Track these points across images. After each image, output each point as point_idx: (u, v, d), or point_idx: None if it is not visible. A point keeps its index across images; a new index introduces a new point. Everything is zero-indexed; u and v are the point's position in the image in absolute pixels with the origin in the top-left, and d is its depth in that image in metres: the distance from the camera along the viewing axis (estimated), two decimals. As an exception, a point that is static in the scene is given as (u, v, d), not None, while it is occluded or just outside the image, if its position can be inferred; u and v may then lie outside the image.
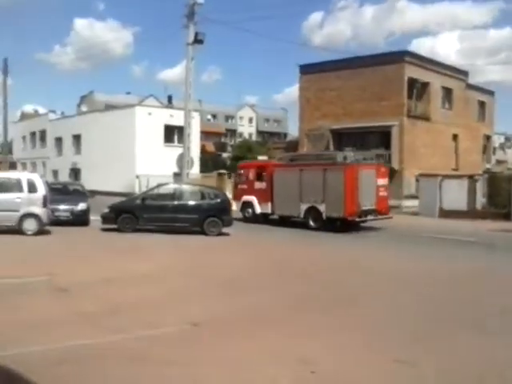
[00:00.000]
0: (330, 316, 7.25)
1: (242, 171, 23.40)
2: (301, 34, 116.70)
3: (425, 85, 33.50)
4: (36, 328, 6.18)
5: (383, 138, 32.21)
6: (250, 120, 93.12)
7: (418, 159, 31.52)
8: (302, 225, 19.61)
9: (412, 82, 32.46)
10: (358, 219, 18.88)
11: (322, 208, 19.07)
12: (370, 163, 20.39)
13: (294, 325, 6.75)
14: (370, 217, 19.44)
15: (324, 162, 19.92)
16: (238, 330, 6.47)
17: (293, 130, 79.19)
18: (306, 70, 36.55)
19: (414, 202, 27.74)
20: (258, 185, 21.82)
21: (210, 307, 7.53)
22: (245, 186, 22.49)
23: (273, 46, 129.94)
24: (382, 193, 20.04)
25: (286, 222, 20.86)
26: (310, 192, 19.41)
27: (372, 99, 32.21)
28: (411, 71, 32.32)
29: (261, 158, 26.78)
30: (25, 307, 7.15)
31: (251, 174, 22.52)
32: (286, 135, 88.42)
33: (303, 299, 8.26)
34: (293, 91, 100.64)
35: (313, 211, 19.35)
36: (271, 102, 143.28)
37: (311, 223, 19.39)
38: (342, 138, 33.84)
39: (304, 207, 19.61)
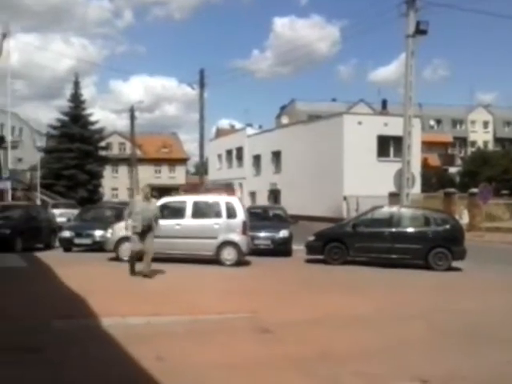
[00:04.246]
0: None
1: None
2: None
3: None
4: (239, 371, 6.58)
5: None
6: (485, 124, 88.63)
7: None
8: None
9: None
10: None
11: None
12: (220, 187, 42.15)
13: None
14: None
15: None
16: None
17: (544, 135, 73.70)
18: None
19: None
20: None
21: (444, 361, 7.25)
22: None
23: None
24: None
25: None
26: None
27: None
28: None
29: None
30: (227, 347, 7.65)
31: None
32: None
33: None
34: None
35: None
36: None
37: None
38: None
39: None
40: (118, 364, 6.66)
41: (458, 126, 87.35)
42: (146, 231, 13.54)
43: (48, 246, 21.06)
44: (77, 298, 10.23)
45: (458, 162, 75.13)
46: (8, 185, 33.37)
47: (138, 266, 13.64)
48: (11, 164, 38.40)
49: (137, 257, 13.72)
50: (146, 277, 13.28)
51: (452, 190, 37.69)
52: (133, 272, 13.57)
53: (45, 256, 17.72)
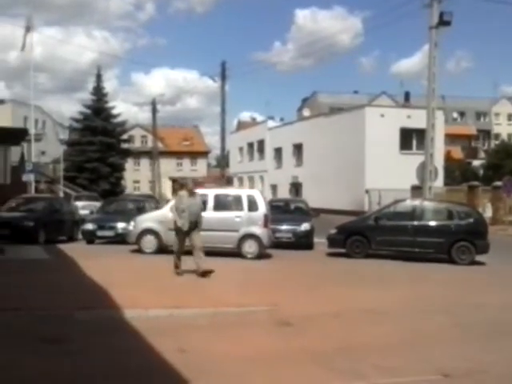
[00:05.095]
0: None
1: None
2: None
3: None
4: (260, 363, 6.63)
5: None
6: (510, 117, 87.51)
7: None
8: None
9: None
10: None
11: None
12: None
13: None
14: None
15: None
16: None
17: None
18: None
19: None
20: None
21: (465, 356, 7.22)
22: None
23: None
24: None
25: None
26: None
27: None
28: None
29: None
30: (247, 339, 7.71)
31: None
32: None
33: None
34: None
35: None
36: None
37: None
38: None
39: None
40: (139, 355, 6.73)
41: (481, 119, 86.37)
42: (192, 227, 12.77)
43: (71, 239, 21.24)
44: (99, 290, 10.33)
45: (482, 154, 74.36)
46: (31, 177, 33.68)
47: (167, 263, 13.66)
48: (34, 157, 38.80)
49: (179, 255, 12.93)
50: (202, 276, 12.53)
51: (475, 183, 37.37)
52: (178, 270, 12.83)
53: (68, 248, 17.90)
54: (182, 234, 12.83)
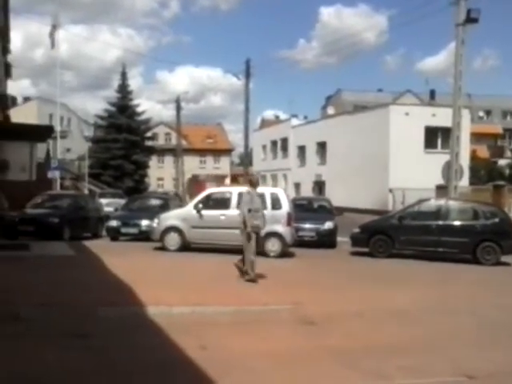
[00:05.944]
0: None
1: None
2: None
3: None
4: (282, 362, 6.62)
5: None
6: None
7: None
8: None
9: None
10: None
11: None
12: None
13: None
14: None
15: None
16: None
17: None
18: None
19: None
20: None
21: (491, 357, 7.14)
22: None
23: None
24: None
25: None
26: None
27: None
28: None
29: None
30: (271, 338, 7.71)
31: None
32: None
33: None
34: None
35: None
36: None
37: None
38: None
39: None
40: (162, 352, 6.76)
41: (508, 117, 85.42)
42: None
43: (95, 235, 21.41)
44: (123, 287, 10.39)
45: (508, 153, 73.41)
46: (57, 174, 33.97)
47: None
48: (60, 154, 39.20)
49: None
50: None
51: (501, 182, 36.91)
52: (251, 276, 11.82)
53: (92, 245, 18.04)
54: (253, 235, 11.90)
